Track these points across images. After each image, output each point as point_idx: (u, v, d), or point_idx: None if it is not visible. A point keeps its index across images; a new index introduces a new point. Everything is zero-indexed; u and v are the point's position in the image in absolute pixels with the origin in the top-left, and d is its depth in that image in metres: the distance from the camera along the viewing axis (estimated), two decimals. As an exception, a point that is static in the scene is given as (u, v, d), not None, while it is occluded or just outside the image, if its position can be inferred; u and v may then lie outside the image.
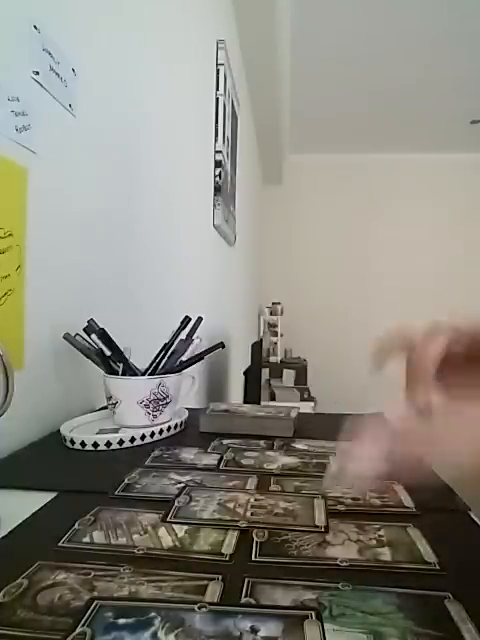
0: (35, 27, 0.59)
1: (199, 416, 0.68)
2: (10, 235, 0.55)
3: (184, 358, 0.71)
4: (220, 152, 1.86)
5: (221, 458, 0.54)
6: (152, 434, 0.61)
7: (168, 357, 0.69)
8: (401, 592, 0.28)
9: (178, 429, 0.66)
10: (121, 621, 0.24)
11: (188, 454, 0.56)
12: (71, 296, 0.72)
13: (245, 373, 2.82)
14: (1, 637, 0.24)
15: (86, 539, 0.34)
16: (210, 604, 0.26)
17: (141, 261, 1.04)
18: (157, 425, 0.63)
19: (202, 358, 0.73)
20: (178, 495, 0.42)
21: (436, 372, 0.32)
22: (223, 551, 0.33)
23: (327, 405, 3.70)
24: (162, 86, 1.17)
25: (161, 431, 0.63)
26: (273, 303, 4.36)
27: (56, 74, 0.64)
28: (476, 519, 0.40)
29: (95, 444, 0.56)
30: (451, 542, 0.36)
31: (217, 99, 1.86)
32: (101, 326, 0.64)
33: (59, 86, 0.65)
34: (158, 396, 0.64)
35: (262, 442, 0.61)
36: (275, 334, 4.27)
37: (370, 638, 0.24)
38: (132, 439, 0.59)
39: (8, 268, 0.55)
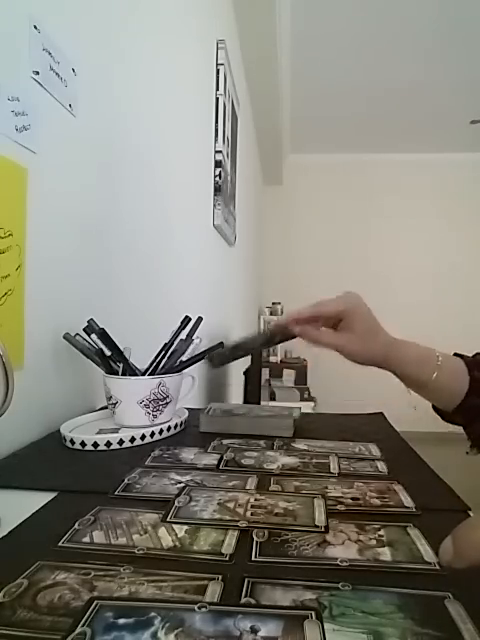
0: (35, 27, 0.59)
1: (199, 416, 0.68)
2: (10, 235, 0.55)
3: (184, 358, 0.71)
4: (220, 152, 1.86)
5: (221, 458, 0.54)
6: (152, 434, 0.61)
7: (168, 357, 0.69)
8: (401, 592, 0.28)
9: (178, 429, 0.66)
10: (121, 621, 0.24)
11: (188, 454, 0.56)
12: (71, 296, 0.72)
13: (245, 373, 2.82)
14: (1, 637, 0.24)
15: (86, 539, 0.34)
16: (210, 604, 0.26)
17: (141, 261, 1.04)
18: (157, 425, 0.63)
19: (202, 358, 0.73)
20: (178, 495, 0.42)
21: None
22: (223, 551, 0.33)
23: (327, 405, 3.69)
24: (162, 86, 1.17)
25: (161, 431, 0.63)
26: (273, 303, 4.36)
27: (56, 74, 0.64)
28: (476, 519, 0.40)
29: (95, 444, 0.56)
30: (451, 542, 0.36)
31: (217, 99, 1.86)
32: (101, 326, 0.64)
33: (59, 86, 0.65)
34: (158, 396, 0.64)
35: (262, 442, 0.61)
36: (275, 334, 4.26)
37: (370, 638, 0.24)
38: (132, 439, 0.59)
39: (8, 268, 0.55)
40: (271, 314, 4.29)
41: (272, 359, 4.23)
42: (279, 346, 4.27)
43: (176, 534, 0.35)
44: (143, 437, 0.60)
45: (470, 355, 0.66)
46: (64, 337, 0.65)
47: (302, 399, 3.75)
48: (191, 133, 1.52)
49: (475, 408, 0.61)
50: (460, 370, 0.61)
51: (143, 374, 0.68)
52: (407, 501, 0.42)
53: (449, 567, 0.24)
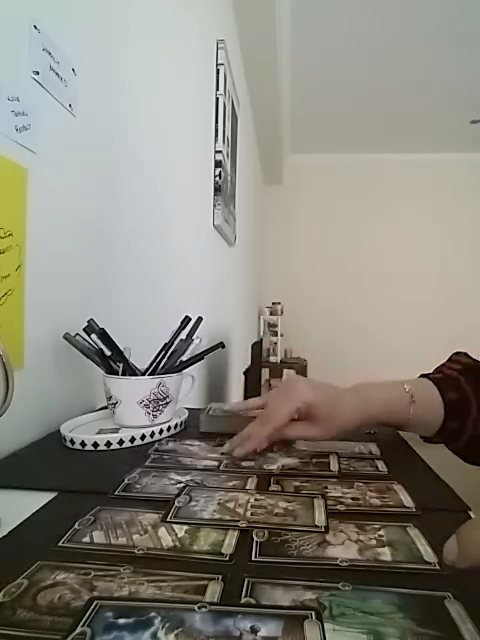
0: (35, 27, 0.59)
1: (199, 416, 0.68)
2: (10, 235, 0.55)
3: (184, 358, 0.71)
4: (220, 152, 1.86)
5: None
6: (152, 434, 0.61)
7: (168, 357, 0.69)
8: (401, 592, 0.28)
9: (178, 429, 0.66)
10: (121, 621, 0.24)
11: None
12: (71, 296, 0.72)
13: (245, 373, 2.82)
14: (1, 637, 0.24)
15: (86, 539, 0.34)
16: (210, 604, 0.26)
17: (141, 261, 1.04)
18: (157, 425, 0.63)
19: (202, 358, 0.73)
20: (178, 495, 0.42)
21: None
22: (223, 551, 0.33)
23: (327, 405, 3.69)
24: (162, 86, 1.17)
25: (161, 431, 0.63)
26: (273, 303, 4.36)
27: (56, 74, 0.64)
28: (476, 519, 0.40)
29: (95, 444, 0.56)
30: (451, 542, 0.36)
31: (217, 99, 1.86)
32: (101, 326, 0.64)
33: (59, 86, 0.65)
34: (158, 396, 0.64)
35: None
36: (275, 334, 4.27)
37: (370, 638, 0.24)
38: (132, 439, 0.59)
39: (8, 268, 0.55)
40: (271, 314, 4.29)
41: (272, 359, 4.23)
42: (279, 345, 4.27)
43: (176, 534, 0.35)
44: (143, 437, 0.60)
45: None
46: (64, 337, 0.65)
47: (302, 399, 3.74)
48: (191, 133, 1.52)
49: (455, 431, 0.60)
50: (434, 397, 0.60)
51: (143, 374, 0.68)
52: (407, 501, 0.42)
53: (453, 567, 0.24)
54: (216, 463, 0.52)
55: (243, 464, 0.52)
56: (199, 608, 0.25)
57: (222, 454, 0.55)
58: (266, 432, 0.54)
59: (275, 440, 0.56)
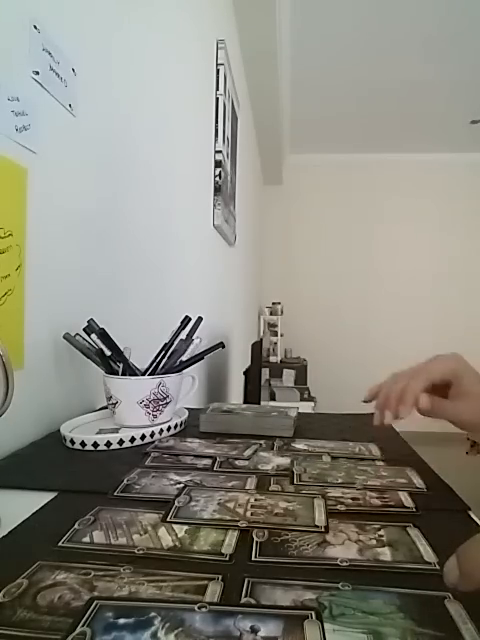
0: (35, 27, 0.59)
1: (199, 416, 0.68)
2: (10, 235, 0.55)
3: (184, 358, 0.71)
4: (220, 152, 1.86)
5: (225, 459, 0.54)
6: (152, 434, 0.61)
7: (168, 357, 0.69)
8: (401, 592, 0.28)
9: (178, 429, 0.66)
10: (121, 621, 0.24)
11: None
12: (71, 296, 0.72)
13: (245, 373, 2.82)
14: (1, 637, 0.24)
15: (86, 539, 0.34)
16: (210, 604, 0.26)
17: (141, 261, 1.04)
18: (157, 425, 0.63)
19: (202, 358, 0.73)
20: (178, 495, 0.42)
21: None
22: (223, 551, 0.33)
23: (327, 405, 3.69)
24: (162, 86, 1.17)
25: (161, 431, 0.63)
26: (273, 303, 4.36)
27: (56, 74, 0.64)
28: (476, 519, 0.40)
29: (95, 444, 0.56)
30: (451, 542, 0.36)
31: (217, 99, 1.86)
32: (101, 326, 0.64)
33: (59, 86, 0.65)
34: (158, 396, 0.64)
35: (262, 442, 0.61)
36: (275, 334, 4.27)
37: (370, 638, 0.24)
38: (132, 439, 0.59)
39: (8, 268, 0.55)
40: (271, 314, 4.29)
41: (272, 359, 4.23)
42: (279, 345, 4.28)
43: (176, 534, 0.35)
44: (143, 437, 0.60)
45: None
46: (64, 337, 0.65)
47: (302, 399, 3.75)
48: (191, 133, 1.52)
49: None
50: None
51: (143, 374, 0.68)
52: (407, 501, 0.42)
53: (455, 589, 0.23)
54: (216, 462, 0.52)
55: (238, 464, 0.52)
56: (199, 608, 0.25)
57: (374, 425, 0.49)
58: (421, 385, 0.47)
59: (425, 413, 0.49)
